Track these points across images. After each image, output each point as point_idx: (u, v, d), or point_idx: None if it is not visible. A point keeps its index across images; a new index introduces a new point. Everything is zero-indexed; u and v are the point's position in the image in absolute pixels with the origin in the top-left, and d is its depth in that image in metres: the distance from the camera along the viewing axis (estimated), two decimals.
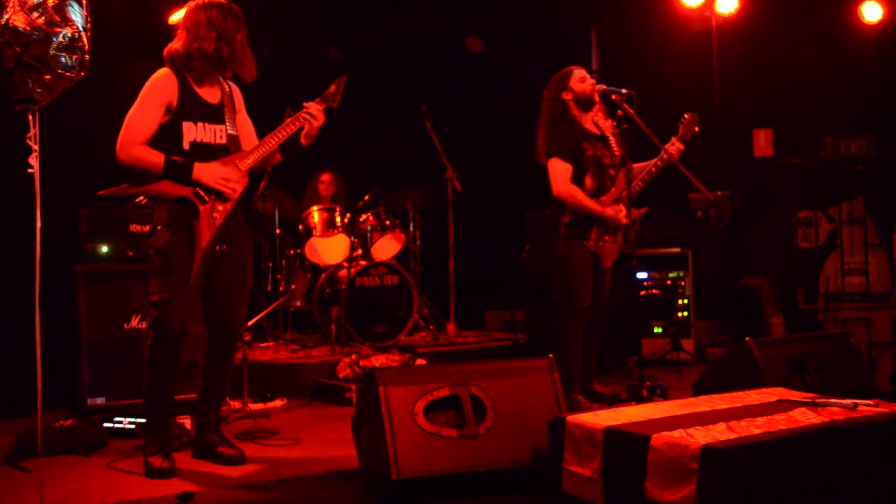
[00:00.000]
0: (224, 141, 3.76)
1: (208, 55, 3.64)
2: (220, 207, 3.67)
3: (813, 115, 6.93)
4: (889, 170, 6.22)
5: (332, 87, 3.92)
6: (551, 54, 7.24)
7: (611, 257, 4.85)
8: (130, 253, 4.93)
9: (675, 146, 4.80)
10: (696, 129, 4.92)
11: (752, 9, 7.16)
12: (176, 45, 3.68)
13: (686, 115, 4.93)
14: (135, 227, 4.97)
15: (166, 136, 3.62)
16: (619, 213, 4.71)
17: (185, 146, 3.65)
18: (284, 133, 3.78)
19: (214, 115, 3.75)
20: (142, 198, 3.69)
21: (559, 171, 4.68)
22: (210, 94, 3.76)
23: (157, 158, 3.55)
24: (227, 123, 3.78)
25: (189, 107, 3.67)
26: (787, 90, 7.16)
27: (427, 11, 8.01)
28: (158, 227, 3.63)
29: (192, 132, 3.67)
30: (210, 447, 3.82)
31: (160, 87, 3.63)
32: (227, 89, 3.85)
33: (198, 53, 3.63)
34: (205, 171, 3.62)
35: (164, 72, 3.68)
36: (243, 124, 3.92)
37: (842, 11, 6.90)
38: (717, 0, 7.13)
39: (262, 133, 3.87)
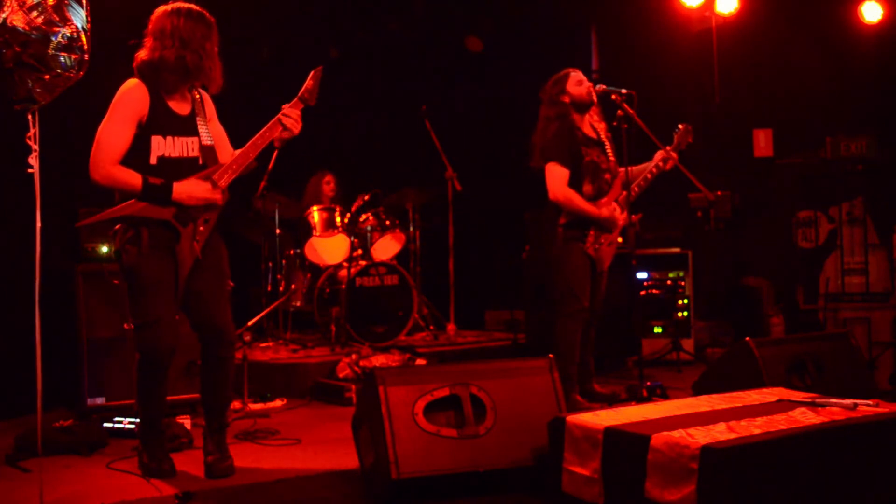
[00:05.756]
0: (195, 153, 3.59)
1: (170, 65, 3.46)
2: (202, 229, 3.56)
3: (813, 115, 6.92)
4: (889, 170, 6.22)
5: (309, 83, 3.66)
6: (551, 54, 7.26)
7: (607, 260, 4.87)
8: None
9: (670, 158, 4.83)
10: (690, 139, 4.96)
11: (752, 9, 7.15)
12: (142, 53, 3.51)
13: (680, 126, 4.95)
14: None
15: (133, 151, 3.46)
16: (615, 212, 4.75)
17: (153, 161, 3.48)
18: (262, 142, 3.60)
19: (185, 127, 3.59)
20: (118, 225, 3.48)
21: (556, 176, 4.68)
22: (181, 105, 3.60)
23: (134, 180, 3.41)
24: (201, 134, 3.62)
25: (159, 120, 3.51)
26: (787, 90, 7.16)
27: (427, 11, 8.00)
28: (135, 249, 3.46)
29: (161, 147, 3.51)
30: (206, 459, 3.66)
31: (131, 100, 3.47)
32: (198, 97, 3.68)
33: (160, 63, 3.46)
34: (184, 192, 3.48)
35: (133, 83, 3.51)
36: (216, 133, 3.74)
37: (842, 11, 6.89)
38: (717, 0, 7.13)
39: (250, 136, 3.65)
